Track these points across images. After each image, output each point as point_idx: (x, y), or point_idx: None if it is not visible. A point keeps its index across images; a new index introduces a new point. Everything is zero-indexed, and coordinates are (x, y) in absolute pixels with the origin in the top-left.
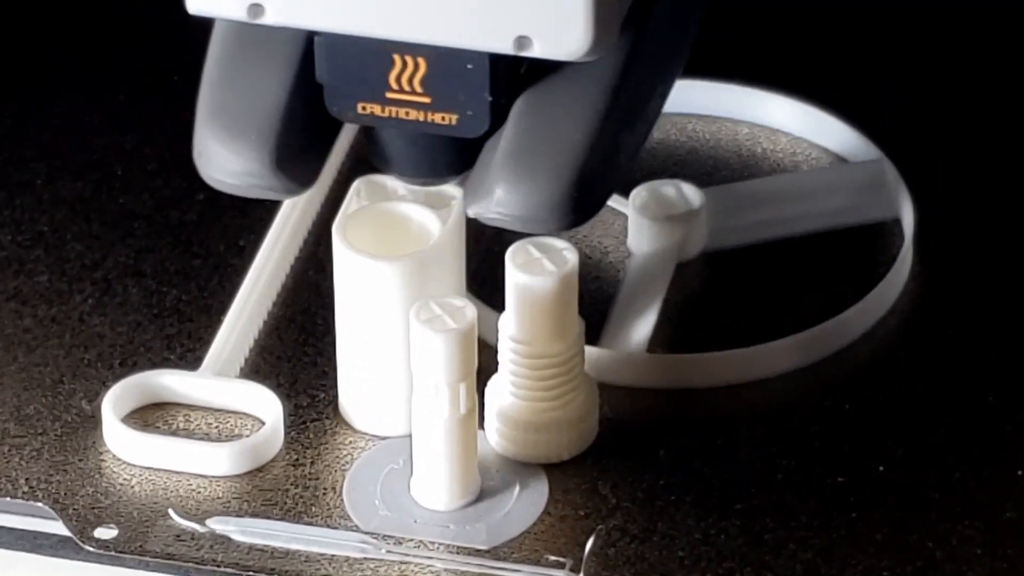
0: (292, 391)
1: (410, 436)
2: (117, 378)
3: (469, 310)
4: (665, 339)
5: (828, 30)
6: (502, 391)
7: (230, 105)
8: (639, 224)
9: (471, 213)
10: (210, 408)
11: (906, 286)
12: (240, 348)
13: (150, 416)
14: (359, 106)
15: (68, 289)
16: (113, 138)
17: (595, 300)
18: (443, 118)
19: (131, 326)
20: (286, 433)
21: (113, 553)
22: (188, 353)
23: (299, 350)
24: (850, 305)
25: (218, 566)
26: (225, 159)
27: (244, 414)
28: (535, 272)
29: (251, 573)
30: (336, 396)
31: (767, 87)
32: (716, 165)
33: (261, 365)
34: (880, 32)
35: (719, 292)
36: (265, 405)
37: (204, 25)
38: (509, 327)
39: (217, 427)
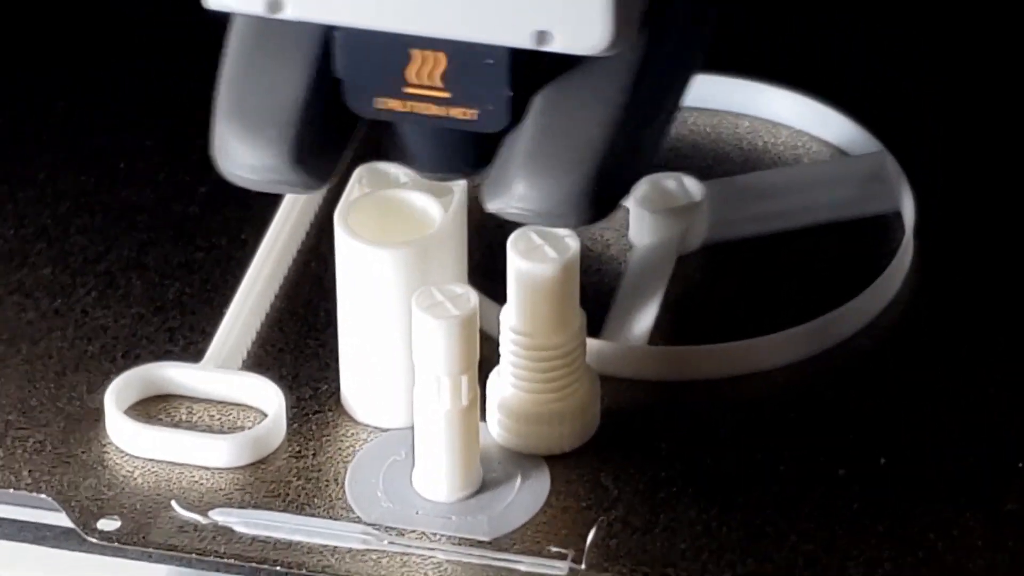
0: (294, 383)
1: (412, 428)
2: (120, 370)
3: (471, 296)
4: (666, 331)
5: (829, 24)
6: (504, 383)
7: (249, 101)
8: (640, 216)
9: (491, 208)
10: (212, 400)
11: (907, 278)
12: (242, 341)
13: (153, 408)
14: (378, 101)
15: (71, 282)
16: (115, 132)
17: (597, 292)
18: (463, 113)
19: (134, 319)
20: (288, 425)
21: (116, 545)
22: (191, 346)
23: (301, 343)
24: (851, 297)
25: (221, 557)
26: (244, 155)
27: (246, 406)
28: (537, 259)
29: (253, 564)
30: (338, 388)
31: (768, 81)
32: (717, 158)
33: (263, 357)
34: (880, 25)
35: (720, 284)
36: (267, 397)
37: (207, 19)
38: (511, 318)
39: (219, 419)
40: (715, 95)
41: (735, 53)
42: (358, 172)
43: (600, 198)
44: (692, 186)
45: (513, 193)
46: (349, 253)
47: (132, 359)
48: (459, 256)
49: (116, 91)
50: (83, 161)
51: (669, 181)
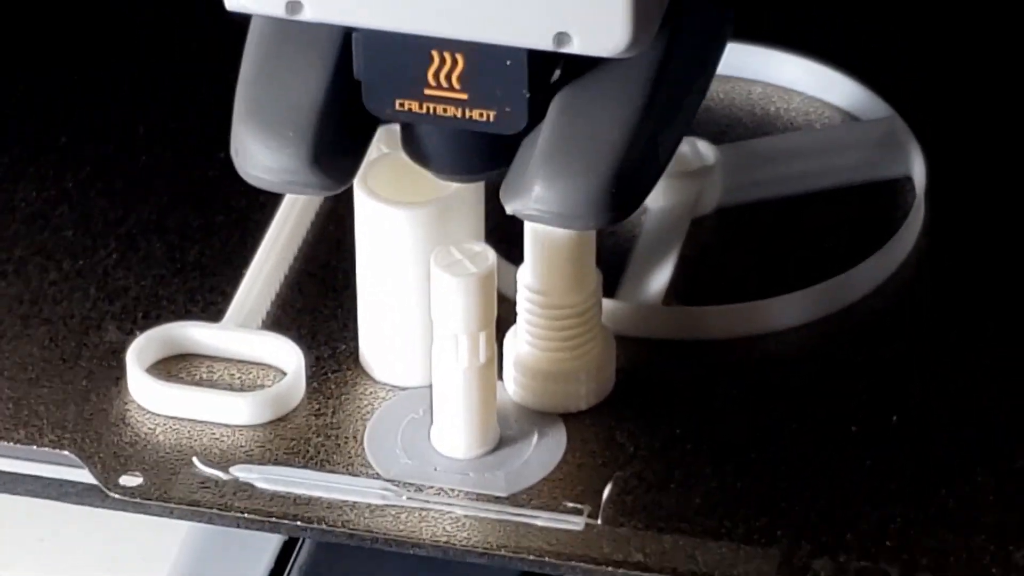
0: (313, 343)
1: (430, 386)
2: (141, 330)
3: (489, 254)
4: (680, 292)
5: None
6: (520, 342)
7: (268, 103)
8: None
9: (510, 210)
10: (232, 359)
11: (918, 241)
12: (262, 301)
13: (174, 367)
14: (397, 103)
15: (92, 244)
16: (135, 97)
17: (612, 254)
18: (481, 115)
19: (155, 280)
20: (308, 384)
21: (138, 500)
22: (210, 306)
23: (319, 303)
24: (863, 260)
25: (241, 512)
26: (263, 156)
27: (266, 365)
28: None
29: (274, 519)
30: (356, 348)
31: (781, 47)
32: (730, 123)
33: (282, 318)
34: None
35: (733, 247)
36: (286, 356)
37: None
38: (527, 277)
39: (240, 378)
40: (728, 61)
41: (748, 19)
42: (378, 133)
43: (618, 200)
44: (706, 150)
45: (531, 195)
46: (368, 214)
47: (153, 319)
48: (477, 217)
49: (138, 61)
50: (104, 127)
51: (683, 145)
